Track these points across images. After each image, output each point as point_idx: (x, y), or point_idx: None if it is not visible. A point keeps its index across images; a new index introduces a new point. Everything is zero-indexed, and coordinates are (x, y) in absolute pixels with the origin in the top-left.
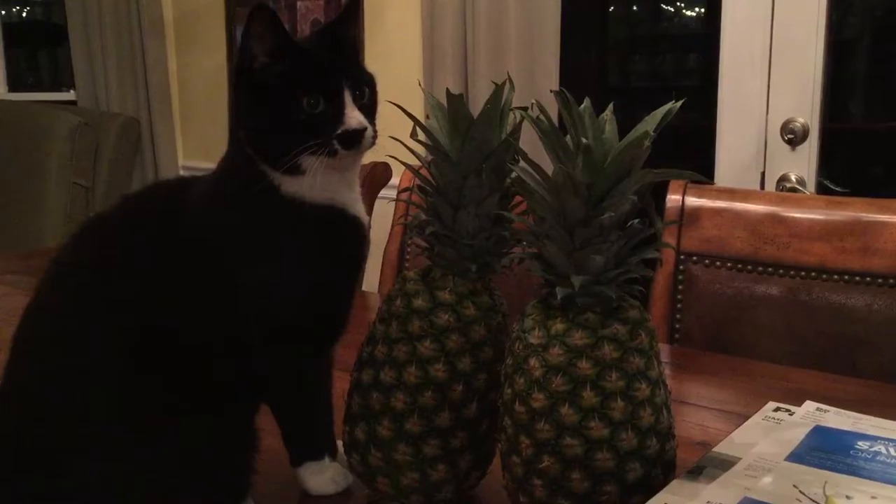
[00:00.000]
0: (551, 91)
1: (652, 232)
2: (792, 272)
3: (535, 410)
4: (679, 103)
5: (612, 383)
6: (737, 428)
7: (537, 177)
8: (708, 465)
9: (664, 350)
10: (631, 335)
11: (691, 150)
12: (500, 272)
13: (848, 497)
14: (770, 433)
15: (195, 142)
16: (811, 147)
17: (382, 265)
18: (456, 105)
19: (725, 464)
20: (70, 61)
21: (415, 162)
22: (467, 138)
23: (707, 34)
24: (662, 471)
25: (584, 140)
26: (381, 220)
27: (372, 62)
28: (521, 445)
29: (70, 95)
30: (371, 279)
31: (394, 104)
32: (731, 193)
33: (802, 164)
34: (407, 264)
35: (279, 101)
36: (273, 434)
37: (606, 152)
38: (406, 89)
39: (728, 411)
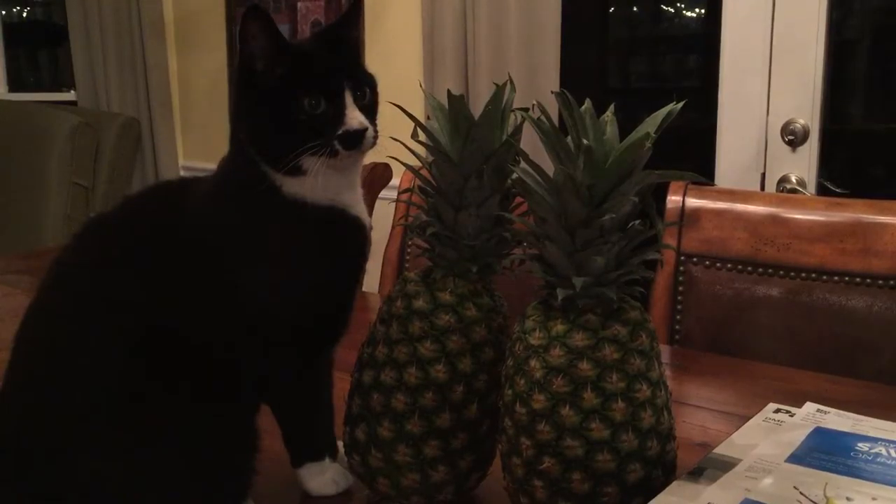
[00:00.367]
0: (552, 92)
1: (653, 233)
2: (792, 273)
3: (535, 411)
4: (680, 105)
5: (612, 384)
6: (737, 429)
7: (538, 178)
8: (708, 467)
9: (665, 351)
10: (631, 336)
11: (692, 150)
12: (501, 273)
13: (848, 499)
14: (770, 434)
15: (195, 142)
16: (811, 148)
17: (383, 266)
18: (457, 106)
19: (726, 465)
20: (70, 61)
21: (415, 163)
22: (468, 139)
23: (707, 35)
24: (663, 472)
25: (584, 141)
26: (382, 221)
27: (372, 63)
28: (522, 446)
29: (70, 96)
30: (371, 280)
31: (394, 105)
32: (731, 194)
33: (803, 166)
34: (407, 265)
35: (280, 101)
36: (273, 435)
37: (607, 153)
38: (407, 90)
39: (728, 412)
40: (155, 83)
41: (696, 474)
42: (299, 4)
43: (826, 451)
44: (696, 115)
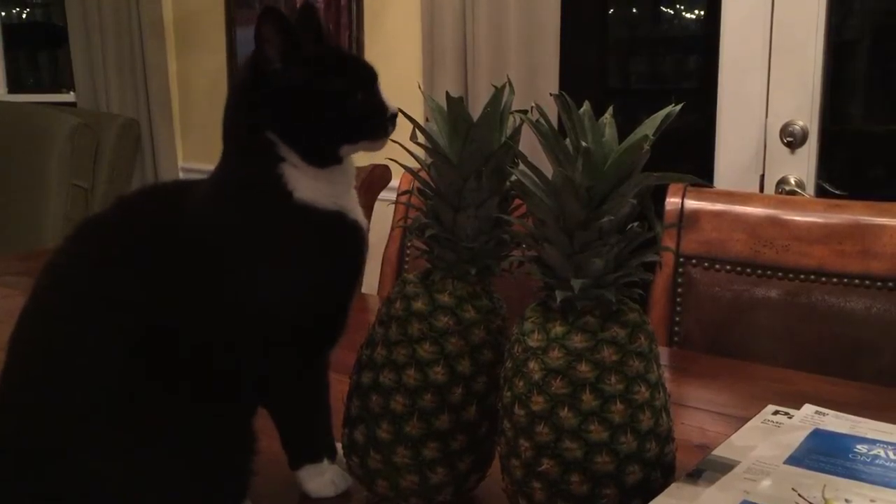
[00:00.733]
0: (551, 94)
1: (651, 235)
2: (791, 275)
3: (534, 413)
4: (678, 107)
5: (611, 386)
6: (736, 431)
7: (537, 180)
8: (707, 469)
9: (663, 353)
10: (630, 338)
11: (691, 151)
12: (500, 275)
13: (847, 500)
14: (769, 436)
15: (195, 143)
16: (810, 149)
17: (382, 267)
18: (456, 108)
19: (724, 467)
20: (70, 63)
21: (414, 164)
22: (467, 141)
23: (707, 36)
24: (662, 474)
25: (583, 143)
26: (381, 223)
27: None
28: (521, 448)
29: (70, 97)
30: (370, 281)
31: None
32: (730, 196)
33: (802, 167)
34: (406, 266)
35: (321, 95)
36: (271, 436)
37: (606, 155)
38: (406, 92)
39: (727, 414)
40: (154, 84)
41: (695, 476)
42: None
43: (825, 453)
44: (695, 116)
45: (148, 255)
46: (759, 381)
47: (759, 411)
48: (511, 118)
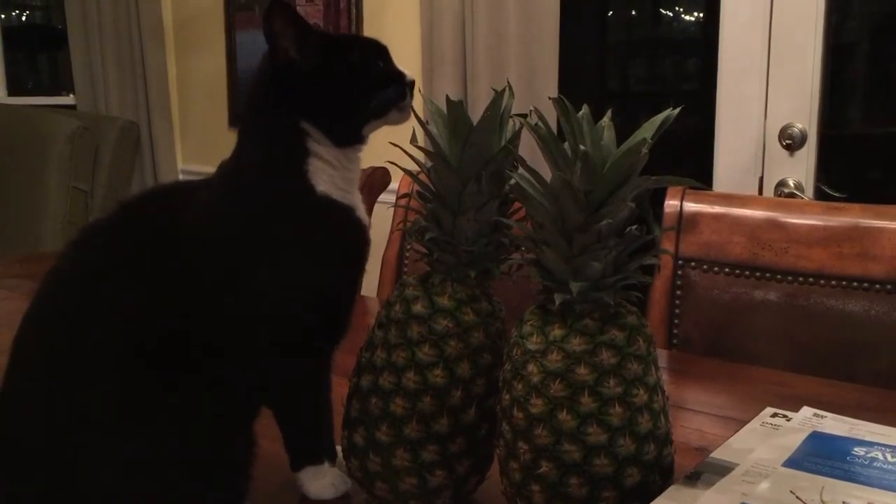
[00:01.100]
0: (549, 98)
1: (650, 238)
2: (790, 278)
3: (533, 416)
4: (677, 110)
5: (610, 389)
6: (734, 433)
7: (536, 183)
8: (705, 471)
9: (662, 355)
10: (629, 341)
11: (690, 154)
12: (500, 278)
13: (845, 503)
14: (767, 439)
15: (194, 146)
16: (809, 152)
17: (381, 270)
18: (456, 111)
19: (723, 469)
20: (69, 65)
21: (414, 168)
22: (467, 144)
23: (706, 39)
24: (660, 476)
25: (582, 147)
26: (381, 225)
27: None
28: (520, 451)
29: (69, 99)
30: (370, 283)
31: None
32: (729, 199)
33: (801, 170)
34: (406, 269)
35: (346, 71)
36: (270, 438)
37: (605, 159)
38: None
39: (726, 417)
40: (154, 87)
41: (693, 478)
42: (298, 9)
43: (823, 456)
44: (694, 119)
45: (151, 257)
46: (757, 384)
47: (757, 414)
48: (511, 122)
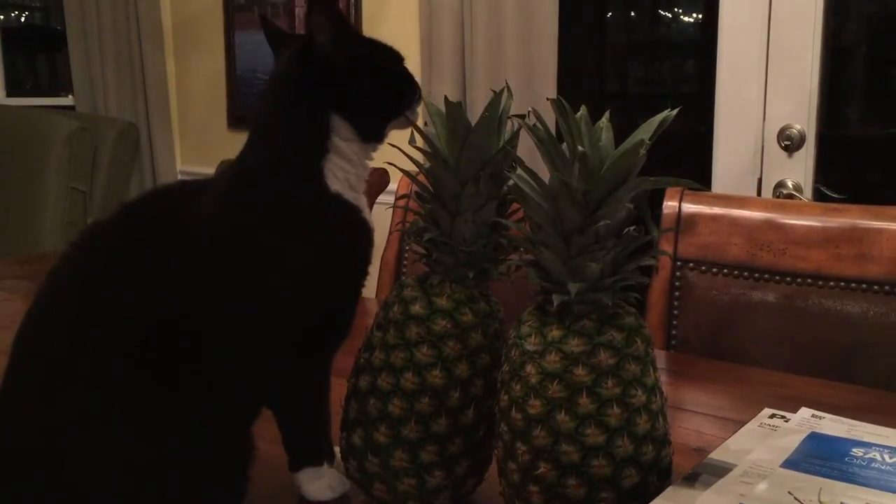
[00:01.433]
0: (548, 99)
1: (648, 239)
2: (788, 279)
3: (531, 417)
4: (675, 111)
5: (608, 390)
6: (732, 434)
7: (534, 184)
8: (703, 472)
9: (660, 356)
10: (627, 342)
11: (688, 155)
12: (498, 279)
13: None
14: (765, 440)
15: (193, 147)
16: (808, 153)
17: (380, 271)
18: (454, 112)
19: (721, 470)
20: (68, 66)
21: (413, 168)
22: (466, 146)
23: (704, 40)
24: (658, 477)
25: (580, 148)
26: (380, 226)
27: None
28: (518, 452)
29: (68, 100)
30: (369, 285)
31: None
32: (727, 200)
33: (799, 171)
34: (405, 270)
35: (377, 71)
36: (269, 440)
37: (603, 160)
38: None
39: (724, 417)
40: (153, 88)
41: (692, 479)
42: (297, 10)
43: (821, 457)
44: (692, 120)
45: (151, 257)
46: (755, 385)
47: (755, 415)
48: (509, 123)
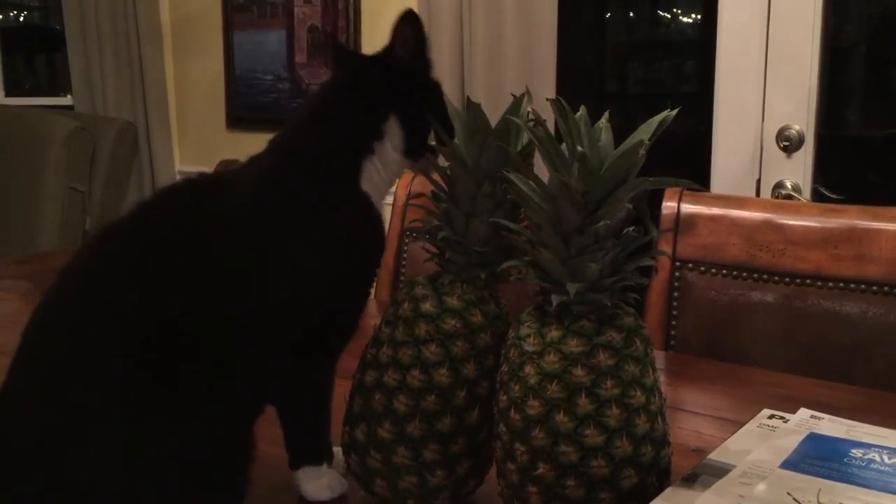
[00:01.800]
0: (547, 99)
1: (647, 239)
2: (787, 279)
3: (530, 417)
4: (674, 112)
5: (607, 391)
6: (731, 435)
7: (533, 185)
8: (702, 473)
9: (659, 357)
10: (626, 342)
11: (687, 156)
12: (510, 281)
13: None
14: (765, 440)
15: (192, 147)
16: (807, 154)
17: (380, 271)
18: (475, 113)
19: (720, 471)
20: (67, 66)
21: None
22: (485, 147)
23: (703, 40)
24: (657, 478)
25: (579, 148)
26: None
27: None
28: (517, 452)
29: (67, 100)
30: None
31: None
32: (726, 200)
33: (798, 171)
34: (404, 271)
35: (438, 105)
36: (269, 441)
37: (602, 160)
38: None
39: (723, 418)
40: (152, 88)
41: (691, 480)
42: (296, 10)
43: (820, 458)
44: (692, 120)
45: (157, 257)
46: (754, 385)
47: (754, 415)
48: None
